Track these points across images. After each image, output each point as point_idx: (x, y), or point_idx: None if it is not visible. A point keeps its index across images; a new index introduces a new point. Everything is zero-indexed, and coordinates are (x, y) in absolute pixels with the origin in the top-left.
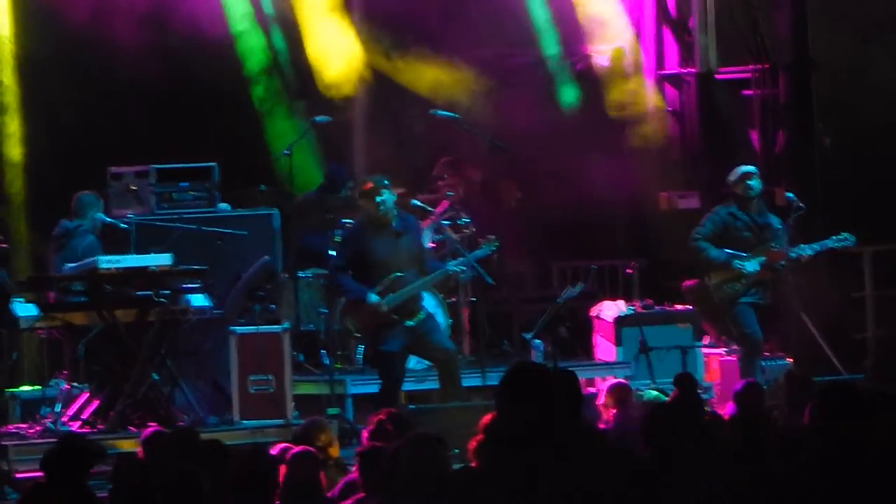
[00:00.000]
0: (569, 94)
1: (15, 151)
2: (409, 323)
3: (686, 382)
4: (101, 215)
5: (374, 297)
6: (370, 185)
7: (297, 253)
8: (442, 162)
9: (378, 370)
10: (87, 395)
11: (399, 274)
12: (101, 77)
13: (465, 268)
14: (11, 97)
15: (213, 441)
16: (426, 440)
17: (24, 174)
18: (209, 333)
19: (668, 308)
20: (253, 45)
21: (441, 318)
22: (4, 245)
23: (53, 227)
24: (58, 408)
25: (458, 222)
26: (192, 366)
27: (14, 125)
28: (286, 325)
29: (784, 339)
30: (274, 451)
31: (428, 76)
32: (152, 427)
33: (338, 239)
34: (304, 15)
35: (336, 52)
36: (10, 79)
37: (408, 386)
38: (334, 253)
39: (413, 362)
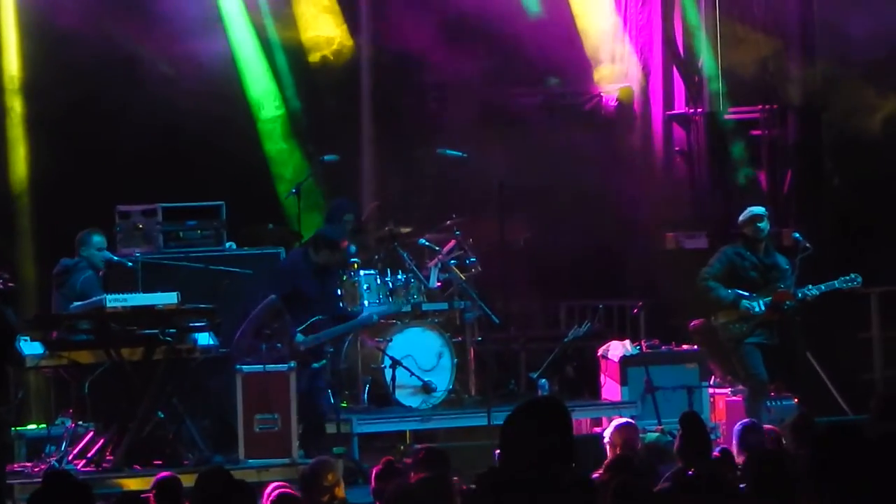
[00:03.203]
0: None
1: (22, 189)
2: (315, 365)
3: (692, 421)
4: (107, 253)
5: (299, 337)
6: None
7: None
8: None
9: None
10: (93, 433)
11: (320, 317)
12: (110, 115)
13: (378, 313)
14: (19, 133)
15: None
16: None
17: (31, 212)
18: (215, 372)
19: (674, 348)
20: (261, 86)
21: (447, 358)
22: (11, 284)
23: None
24: (63, 446)
25: (466, 262)
26: (198, 404)
27: (21, 163)
28: (292, 364)
29: (790, 380)
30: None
31: None
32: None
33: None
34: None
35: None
36: (17, 115)
37: (412, 425)
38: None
39: (418, 401)
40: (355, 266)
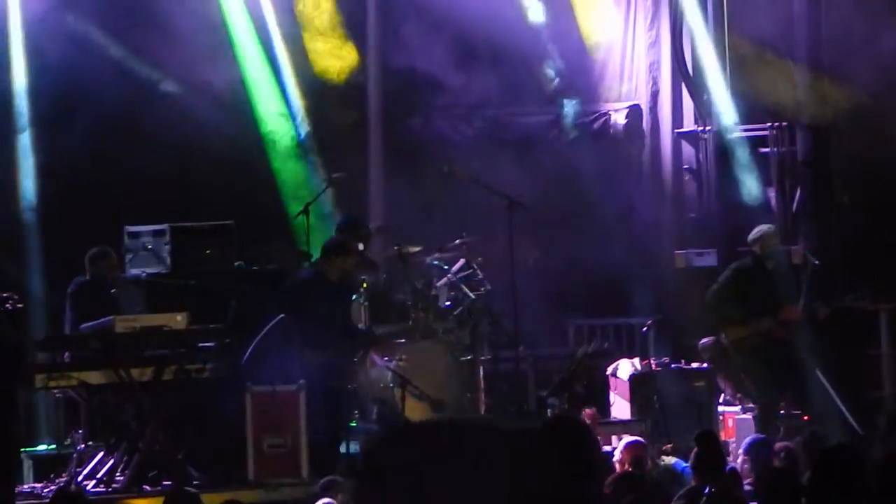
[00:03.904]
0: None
1: (30, 209)
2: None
3: (709, 440)
4: (120, 274)
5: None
6: None
7: None
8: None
9: None
10: (103, 453)
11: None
12: (120, 136)
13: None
14: (28, 153)
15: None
16: None
17: (40, 232)
18: (225, 392)
19: (683, 366)
20: (271, 106)
21: (456, 376)
22: (20, 305)
23: (69, 285)
24: (73, 467)
25: (475, 281)
26: (208, 424)
27: (30, 182)
28: (302, 382)
29: (800, 397)
30: None
31: None
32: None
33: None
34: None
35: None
36: (27, 135)
37: None
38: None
39: None
40: (364, 285)
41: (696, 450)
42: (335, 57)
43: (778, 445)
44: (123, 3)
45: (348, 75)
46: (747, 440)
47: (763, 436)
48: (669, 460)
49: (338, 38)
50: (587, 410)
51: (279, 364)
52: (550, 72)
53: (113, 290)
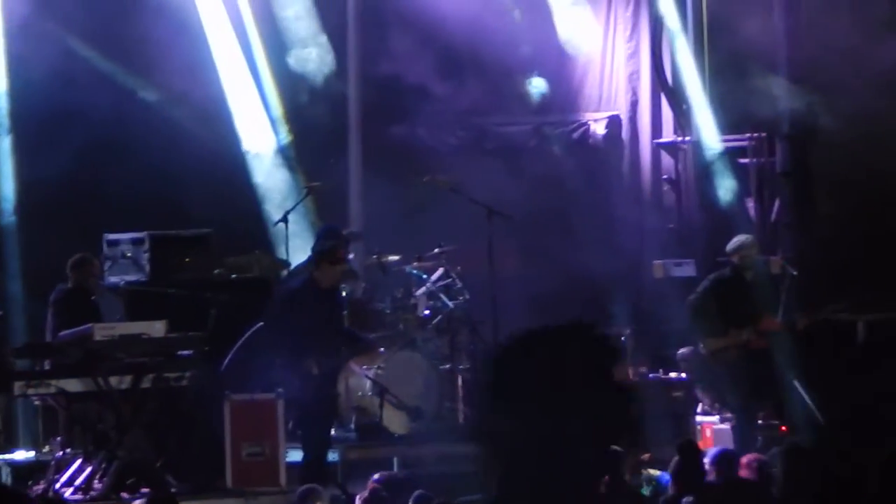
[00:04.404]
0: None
1: (9, 216)
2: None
3: (689, 450)
4: (99, 282)
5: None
6: None
7: None
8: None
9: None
10: (81, 460)
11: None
12: (99, 145)
13: None
14: (6, 161)
15: None
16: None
17: (19, 240)
18: (203, 400)
19: (662, 376)
20: (250, 115)
21: (435, 385)
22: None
23: (50, 292)
24: (51, 474)
25: (454, 290)
26: (186, 432)
27: (9, 188)
28: (280, 391)
29: (778, 408)
30: None
31: None
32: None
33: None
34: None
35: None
36: (5, 144)
37: (400, 451)
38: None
39: (406, 427)
40: (343, 294)
41: (676, 459)
42: (316, 64)
43: (746, 458)
44: (104, 12)
45: (330, 83)
46: (713, 451)
47: (729, 448)
48: (653, 473)
49: (320, 43)
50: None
51: (258, 372)
52: (532, 82)
53: (93, 297)
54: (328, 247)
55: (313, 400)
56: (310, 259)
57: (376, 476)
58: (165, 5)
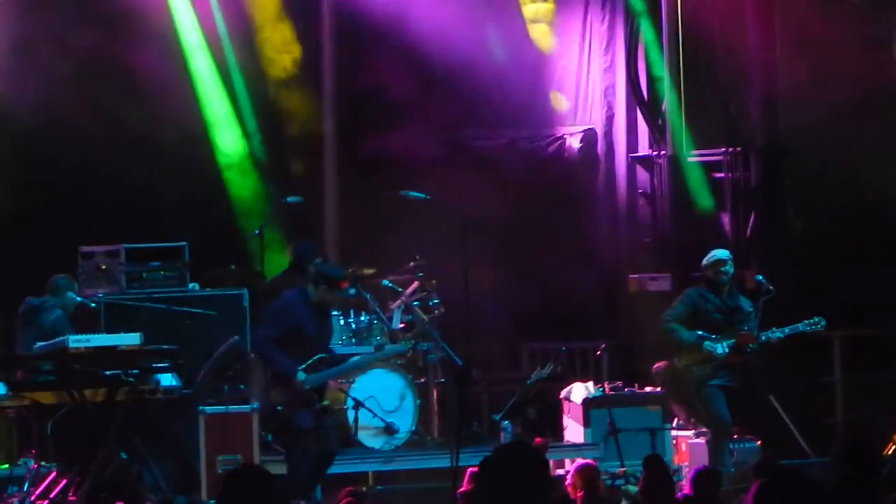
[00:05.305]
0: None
1: None
2: (325, 402)
3: (655, 464)
4: (71, 294)
5: (301, 375)
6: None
7: None
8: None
9: (293, 449)
10: (56, 474)
11: (322, 355)
12: (73, 156)
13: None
14: None
15: None
16: None
17: None
18: (178, 413)
19: (637, 390)
20: (225, 128)
21: (410, 399)
22: None
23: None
24: (26, 487)
25: (429, 303)
26: (161, 445)
27: None
28: (255, 405)
29: (753, 423)
30: None
31: None
32: None
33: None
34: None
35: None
36: None
37: (375, 466)
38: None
39: (381, 443)
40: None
41: (643, 474)
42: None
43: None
44: (82, 21)
45: (304, 97)
46: (691, 471)
47: (709, 466)
48: (632, 489)
49: (294, 57)
50: (537, 439)
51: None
52: (507, 95)
53: (67, 310)
54: (335, 273)
55: (304, 414)
56: (295, 271)
57: (349, 489)
58: (144, 24)
